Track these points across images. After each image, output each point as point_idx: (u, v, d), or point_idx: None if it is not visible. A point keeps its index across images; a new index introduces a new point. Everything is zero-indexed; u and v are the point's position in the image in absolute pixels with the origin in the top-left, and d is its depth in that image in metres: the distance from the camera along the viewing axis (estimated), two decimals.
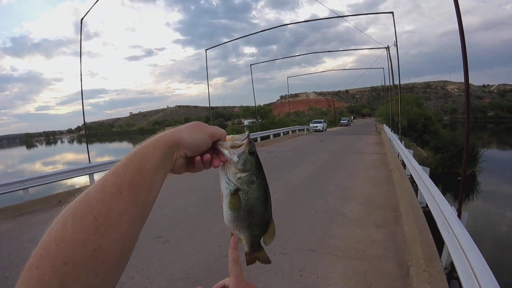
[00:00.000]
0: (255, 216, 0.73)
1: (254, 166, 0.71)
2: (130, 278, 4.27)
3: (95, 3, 12.04)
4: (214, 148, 0.73)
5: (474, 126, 79.53)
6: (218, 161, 0.72)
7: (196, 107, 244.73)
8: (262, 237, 0.78)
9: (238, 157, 0.70)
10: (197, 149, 0.70)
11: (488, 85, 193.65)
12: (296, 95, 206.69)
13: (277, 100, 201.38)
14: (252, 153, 0.71)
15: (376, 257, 4.62)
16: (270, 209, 0.76)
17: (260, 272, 4.26)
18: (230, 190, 0.71)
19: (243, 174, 0.70)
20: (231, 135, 0.74)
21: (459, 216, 4.39)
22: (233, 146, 0.71)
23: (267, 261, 0.82)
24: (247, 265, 0.81)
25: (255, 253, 0.80)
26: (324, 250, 4.91)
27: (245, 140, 0.72)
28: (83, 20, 12.12)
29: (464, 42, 5.47)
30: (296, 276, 4.10)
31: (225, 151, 0.71)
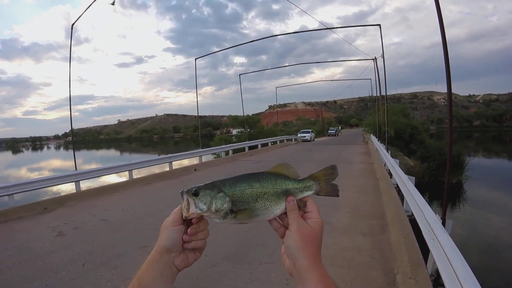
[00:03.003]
0: (257, 203, 0.77)
1: (210, 196, 0.75)
2: (116, 287, 4.21)
3: (86, 9, 12.04)
4: (187, 222, 0.78)
5: (460, 135, 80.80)
6: (196, 221, 0.78)
7: (184, 115, 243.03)
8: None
9: (200, 209, 0.75)
10: (177, 242, 0.76)
11: (474, 95, 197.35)
12: (285, 105, 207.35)
13: (266, 110, 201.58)
14: (196, 194, 0.75)
15: (363, 265, 4.63)
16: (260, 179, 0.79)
17: (247, 282, 4.24)
18: (229, 218, 0.76)
19: (219, 210, 0.75)
20: (179, 206, 0.78)
21: (443, 224, 4.46)
22: (187, 208, 0.76)
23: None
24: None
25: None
26: None
27: (185, 201, 0.76)
28: (74, 26, 12.09)
29: (447, 54, 5.58)
30: (283, 285, 4.08)
31: (193, 214, 0.76)
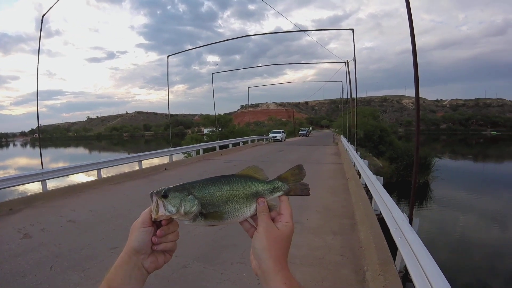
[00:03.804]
0: (227, 206, 0.77)
1: (180, 199, 0.75)
2: None
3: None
4: (157, 224, 0.77)
5: (428, 138, 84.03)
6: (166, 223, 0.77)
7: (156, 113, 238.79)
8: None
9: (169, 212, 0.74)
10: (146, 244, 0.74)
11: (442, 99, 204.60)
12: (257, 105, 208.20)
13: (238, 110, 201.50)
14: (165, 196, 0.75)
15: (334, 263, 4.70)
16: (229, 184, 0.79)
17: (218, 282, 4.22)
18: (199, 220, 0.76)
19: (188, 213, 0.74)
20: (148, 207, 0.76)
21: (410, 222, 4.57)
22: (156, 210, 0.74)
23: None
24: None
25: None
26: None
27: (154, 203, 0.74)
28: (44, 17, 11.65)
29: (416, 60, 5.74)
30: (254, 285, 4.07)
31: (163, 216, 0.74)
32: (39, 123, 12.81)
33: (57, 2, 11.66)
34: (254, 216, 0.78)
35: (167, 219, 0.76)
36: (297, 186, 0.82)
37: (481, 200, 17.99)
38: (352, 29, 18.45)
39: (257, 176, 0.82)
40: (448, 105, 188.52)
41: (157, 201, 0.74)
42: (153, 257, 0.76)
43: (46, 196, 9.48)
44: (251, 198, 0.78)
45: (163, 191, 0.75)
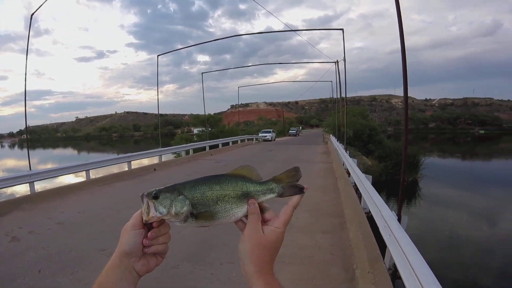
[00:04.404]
0: (218, 206, 0.76)
1: (170, 199, 0.74)
2: None
3: None
4: (148, 226, 0.75)
5: (417, 136, 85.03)
6: (157, 224, 0.75)
7: (145, 113, 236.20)
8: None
9: (160, 213, 0.73)
10: (137, 246, 0.73)
11: (430, 99, 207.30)
12: (247, 104, 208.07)
13: (228, 109, 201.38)
14: (156, 197, 0.74)
15: (323, 262, 4.72)
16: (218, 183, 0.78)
17: (208, 282, 4.20)
18: (190, 221, 0.75)
19: (179, 213, 0.73)
20: (139, 209, 0.76)
21: (399, 220, 4.62)
22: (147, 212, 0.73)
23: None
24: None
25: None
26: None
27: (145, 205, 0.74)
28: (33, 15, 11.48)
29: (405, 60, 5.80)
30: (244, 285, 4.03)
31: (154, 218, 0.73)
32: (27, 124, 12.62)
33: (46, 1, 11.49)
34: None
35: (159, 221, 0.74)
36: (291, 188, 0.81)
37: (469, 197, 18.28)
38: (342, 29, 18.67)
39: (250, 176, 0.80)
40: (436, 104, 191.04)
41: (147, 203, 0.73)
42: (145, 260, 0.75)
43: (34, 198, 9.33)
44: (242, 199, 0.77)
45: (154, 192, 0.74)
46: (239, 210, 0.76)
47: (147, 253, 0.74)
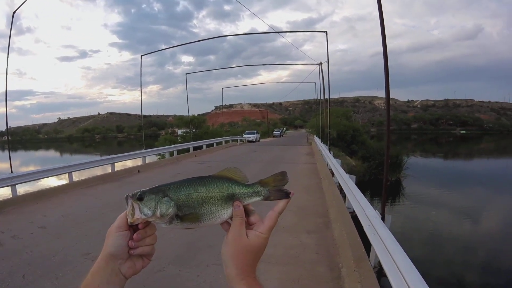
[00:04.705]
0: (203, 208, 0.75)
1: (155, 201, 0.73)
2: None
3: None
4: (133, 227, 0.74)
5: (400, 137, 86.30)
6: (143, 226, 0.74)
7: (129, 114, 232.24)
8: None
9: (145, 215, 0.72)
10: (123, 248, 0.72)
11: (413, 100, 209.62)
12: (231, 106, 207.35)
13: (212, 111, 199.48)
14: (140, 198, 0.73)
15: (309, 261, 4.76)
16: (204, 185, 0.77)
17: (194, 285, 4.19)
18: (175, 223, 0.74)
19: (164, 215, 0.73)
20: (124, 211, 0.75)
21: (383, 219, 4.69)
22: (132, 214, 0.73)
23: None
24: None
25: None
26: None
27: (129, 206, 0.73)
28: (15, 13, 11.26)
29: (387, 62, 5.90)
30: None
31: (139, 219, 0.72)
32: (8, 125, 12.34)
33: None
34: None
35: (144, 223, 0.74)
36: (277, 192, 0.81)
37: (450, 196, 18.67)
38: (326, 32, 18.87)
39: (236, 178, 0.80)
40: (419, 106, 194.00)
41: (132, 204, 0.72)
42: (131, 262, 0.74)
43: (16, 201, 9.12)
44: (228, 201, 0.76)
45: (138, 193, 0.73)
46: (225, 212, 0.76)
47: (133, 255, 0.73)
